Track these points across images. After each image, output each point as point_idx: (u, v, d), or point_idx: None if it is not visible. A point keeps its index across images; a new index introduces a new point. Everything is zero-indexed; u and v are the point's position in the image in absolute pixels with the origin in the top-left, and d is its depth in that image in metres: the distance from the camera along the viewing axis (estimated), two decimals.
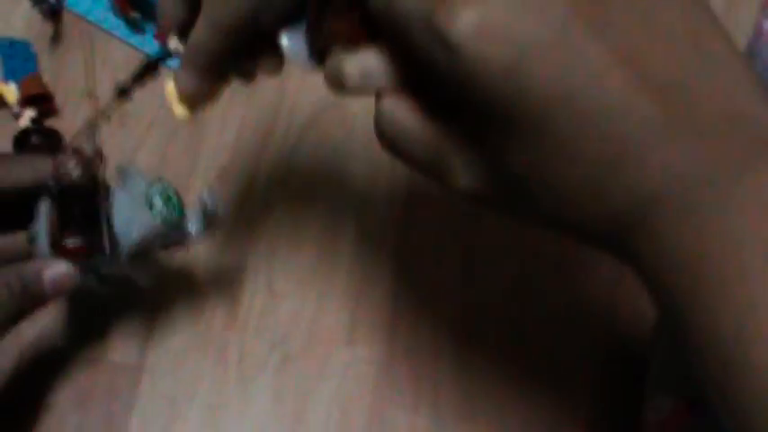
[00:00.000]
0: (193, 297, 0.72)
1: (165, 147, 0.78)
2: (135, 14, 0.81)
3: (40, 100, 0.78)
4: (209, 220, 0.63)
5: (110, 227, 0.60)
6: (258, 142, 0.79)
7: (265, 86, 0.81)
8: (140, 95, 0.79)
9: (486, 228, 0.75)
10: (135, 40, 0.82)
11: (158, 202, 0.60)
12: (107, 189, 0.62)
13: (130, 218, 0.60)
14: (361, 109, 0.80)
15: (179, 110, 0.56)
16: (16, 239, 0.63)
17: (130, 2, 0.80)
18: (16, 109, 0.77)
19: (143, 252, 0.62)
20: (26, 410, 0.68)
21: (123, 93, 0.62)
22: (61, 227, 0.59)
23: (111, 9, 0.82)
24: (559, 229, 0.40)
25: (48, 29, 0.83)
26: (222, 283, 0.73)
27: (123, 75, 0.78)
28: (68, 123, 0.79)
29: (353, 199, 0.77)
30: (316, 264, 0.74)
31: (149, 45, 0.82)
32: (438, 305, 0.73)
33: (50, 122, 0.79)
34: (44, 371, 0.70)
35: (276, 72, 0.55)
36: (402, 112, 0.41)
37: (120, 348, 0.71)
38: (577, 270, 0.75)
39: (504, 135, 0.37)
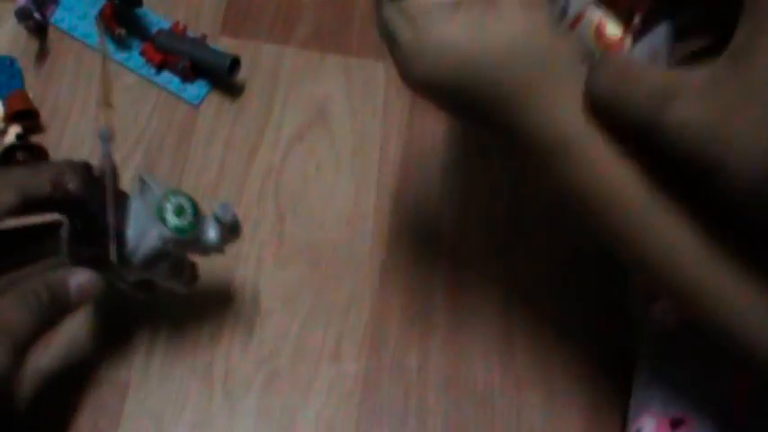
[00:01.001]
0: (179, 314, 0.72)
1: (152, 163, 0.78)
2: (121, 30, 0.80)
3: (26, 116, 0.78)
4: (225, 231, 0.63)
5: (122, 237, 0.60)
6: (245, 157, 0.79)
7: (251, 103, 0.81)
8: (127, 111, 0.80)
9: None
10: (120, 55, 0.82)
11: (170, 215, 0.61)
12: (124, 198, 0.62)
13: (143, 229, 0.61)
14: (347, 125, 0.80)
15: None
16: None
17: (116, 18, 0.80)
18: (2, 125, 0.77)
19: (161, 261, 0.62)
20: (11, 424, 0.68)
21: None
22: (77, 237, 0.60)
23: (96, 25, 0.82)
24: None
25: (33, 45, 0.82)
26: (208, 300, 0.73)
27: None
28: (55, 139, 0.79)
29: (340, 214, 0.77)
30: (303, 279, 0.75)
31: (134, 61, 0.82)
32: (425, 320, 0.73)
33: (36, 138, 0.78)
34: (31, 386, 0.69)
35: None
36: (631, 62, 0.49)
37: (107, 364, 0.71)
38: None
39: None
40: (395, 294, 0.74)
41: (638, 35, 0.51)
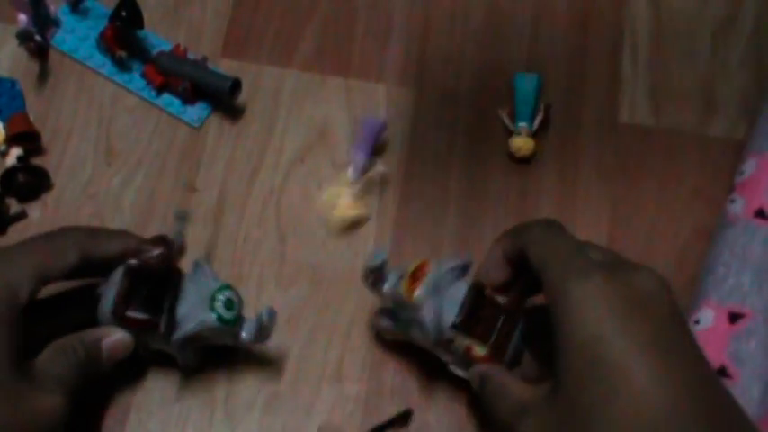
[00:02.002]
0: None
1: (153, 185, 0.78)
2: (122, 53, 0.81)
3: (27, 138, 0.78)
4: (261, 333, 0.67)
5: (171, 312, 0.65)
6: (246, 179, 0.79)
7: (252, 125, 0.81)
8: (128, 134, 0.80)
9: None
10: (121, 77, 0.82)
11: (220, 306, 0.64)
12: (180, 276, 0.67)
13: (192, 310, 0.65)
14: (348, 146, 0.80)
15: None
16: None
17: (117, 41, 0.80)
18: (3, 147, 0.77)
19: (194, 342, 0.66)
20: None
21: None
22: (127, 298, 0.65)
23: (97, 47, 0.83)
24: None
25: (34, 66, 0.83)
26: None
27: (109, 113, 0.80)
28: (55, 161, 0.79)
29: (341, 235, 0.77)
30: (304, 300, 0.74)
31: (135, 83, 0.82)
32: None
33: (37, 160, 0.78)
34: None
35: None
36: (502, 378, 0.62)
37: (109, 386, 0.71)
38: None
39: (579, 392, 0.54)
40: None
41: (498, 352, 0.64)
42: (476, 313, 0.64)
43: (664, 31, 0.87)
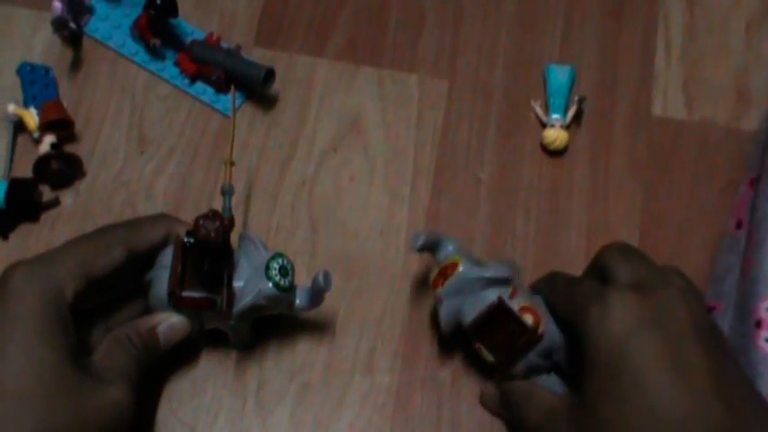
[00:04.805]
0: None
1: (186, 173, 0.78)
2: (155, 41, 0.81)
3: (61, 125, 0.78)
4: (316, 297, 0.67)
5: (229, 286, 0.65)
6: (278, 168, 0.79)
7: (285, 114, 0.81)
8: (160, 122, 0.80)
9: None
10: (154, 66, 0.82)
11: (276, 274, 0.64)
12: (232, 250, 0.66)
13: (248, 282, 0.65)
14: (380, 136, 0.80)
15: None
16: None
17: (151, 28, 0.80)
18: (36, 134, 0.77)
19: (251, 314, 0.66)
20: None
21: None
22: (183, 277, 0.64)
23: (131, 35, 0.83)
24: None
25: (68, 54, 0.83)
26: None
27: (142, 101, 0.80)
28: (89, 149, 0.79)
29: (373, 225, 0.77)
30: (336, 291, 0.74)
31: (168, 71, 0.82)
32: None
33: (71, 148, 0.79)
34: None
35: None
36: (528, 386, 0.66)
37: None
38: None
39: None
40: (428, 306, 0.74)
41: (505, 364, 0.67)
42: (495, 325, 0.66)
43: (697, 24, 0.86)
